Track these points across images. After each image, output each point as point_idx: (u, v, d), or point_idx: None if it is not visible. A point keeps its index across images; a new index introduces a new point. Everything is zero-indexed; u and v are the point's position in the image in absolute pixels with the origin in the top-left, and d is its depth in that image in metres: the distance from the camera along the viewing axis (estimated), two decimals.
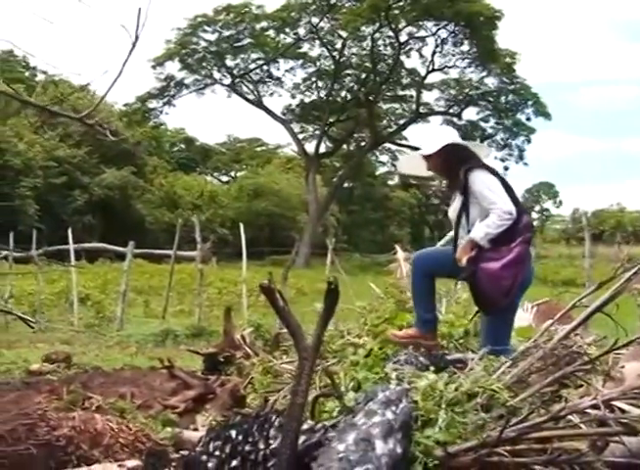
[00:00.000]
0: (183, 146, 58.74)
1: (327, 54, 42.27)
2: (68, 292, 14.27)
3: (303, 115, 45.41)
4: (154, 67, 40.61)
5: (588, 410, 2.97)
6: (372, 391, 3.00)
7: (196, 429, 4.41)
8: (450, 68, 41.14)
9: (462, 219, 4.44)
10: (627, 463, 2.93)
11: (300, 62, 42.99)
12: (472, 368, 3.56)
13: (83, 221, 34.48)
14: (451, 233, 4.88)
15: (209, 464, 2.88)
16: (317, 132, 45.09)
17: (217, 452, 2.89)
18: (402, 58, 41.17)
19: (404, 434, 2.72)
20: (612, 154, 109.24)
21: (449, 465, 2.85)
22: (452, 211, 4.56)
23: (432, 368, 3.56)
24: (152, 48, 39.63)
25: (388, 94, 44.30)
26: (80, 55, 61.68)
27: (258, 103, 43.33)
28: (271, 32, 41.28)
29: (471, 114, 43.80)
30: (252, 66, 42.56)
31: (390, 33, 39.50)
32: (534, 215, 64.14)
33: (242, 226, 14.15)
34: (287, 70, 43.31)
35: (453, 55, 40.46)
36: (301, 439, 2.76)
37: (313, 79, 44.04)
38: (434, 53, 40.26)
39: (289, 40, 41.69)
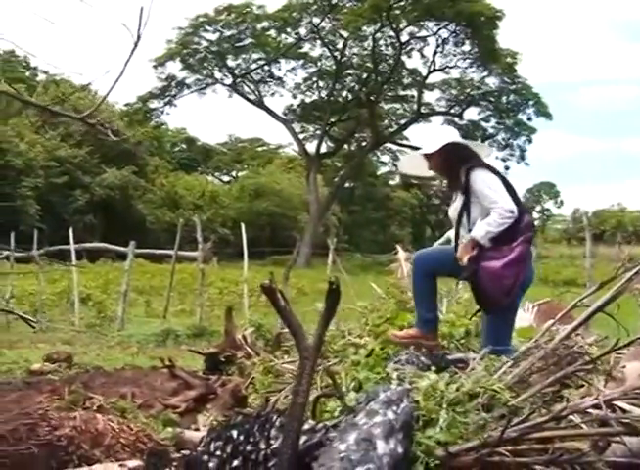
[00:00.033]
0: (184, 146, 58.78)
1: (328, 54, 42.27)
2: (69, 292, 14.27)
3: (304, 115, 45.39)
4: (155, 66, 40.62)
5: (590, 410, 2.97)
6: (373, 391, 3.00)
7: (197, 429, 4.41)
8: (451, 68, 41.16)
9: (463, 219, 4.44)
10: (628, 463, 2.93)
11: (302, 62, 42.97)
12: (473, 368, 3.56)
13: (84, 221, 34.49)
14: (449, 232, 4.88)
15: (211, 464, 2.88)
16: (318, 132, 45.06)
17: (218, 452, 2.89)
18: (403, 58, 41.17)
19: (405, 434, 2.72)
20: (612, 154, 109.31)
21: (450, 465, 2.85)
22: (453, 210, 4.55)
23: (433, 368, 3.57)
24: (153, 48, 39.68)
25: (390, 94, 44.27)
26: (81, 55, 61.81)
27: (260, 103, 43.33)
28: (272, 32, 41.26)
29: (472, 114, 43.85)
30: (254, 66, 42.55)
31: (392, 33, 39.49)
32: (535, 215, 64.07)
33: (243, 226, 14.16)
34: (288, 70, 43.34)
35: (454, 55, 40.47)
36: (303, 439, 2.76)
37: (314, 79, 44.03)
38: (435, 53, 40.29)
39: (290, 40, 41.67)
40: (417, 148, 5.04)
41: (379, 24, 38.40)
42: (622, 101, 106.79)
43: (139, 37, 3.28)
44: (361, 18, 37.25)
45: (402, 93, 44.27)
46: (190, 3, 69.79)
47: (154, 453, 3.55)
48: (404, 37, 39.77)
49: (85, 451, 3.52)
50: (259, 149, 60.65)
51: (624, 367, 3.64)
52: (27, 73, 43.42)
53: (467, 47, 39.85)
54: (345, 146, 48.33)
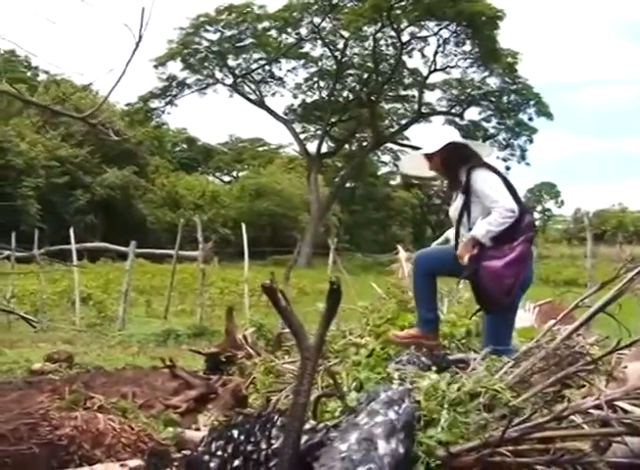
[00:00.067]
0: (185, 146, 58.82)
1: (329, 54, 42.28)
2: (69, 291, 14.27)
3: (305, 115, 45.39)
4: (156, 66, 40.64)
5: (591, 411, 2.97)
6: (374, 391, 3.00)
7: (198, 429, 4.41)
8: (452, 68, 41.17)
9: (463, 218, 4.44)
10: (630, 463, 2.93)
11: (302, 62, 42.98)
12: (474, 368, 3.56)
13: (85, 221, 34.51)
14: (448, 232, 4.89)
15: (212, 464, 2.88)
16: (319, 132, 45.06)
17: (219, 452, 2.89)
18: (404, 58, 41.19)
19: (407, 434, 2.72)
20: (613, 154, 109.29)
21: (451, 465, 2.85)
22: (453, 209, 4.55)
23: (434, 368, 3.56)
24: (154, 48, 39.65)
25: (391, 94, 44.26)
26: (82, 55, 61.79)
27: (260, 103, 43.33)
28: (273, 32, 41.28)
29: (473, 114, 43.85)
30: (254, 66, 42.56)
31: (392, 33, 39.50)
32: (536, 215, 64.06)
33: (244, 226, 14.16)
34: (289, 70, 43.35)
35: (455, 55, 40.47)
36: (304, 438, 2.76)
37: (315, 79, 44.03)
38: (435, 53, 40.32)
39: (291, 40, 41.69)
40: (418, 148, 5.05)
41: (379, 24, 38.41)
42: (623, 101, 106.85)
43: (140, 37, 3.28)
44: (362, 18, 37.25)
45: (403, 93, 44.29)
46: (191, 3, 69.86)
47: (155, 453, 3.55)
48: (405, 37, 39.84)
49: (86, 451, 3.52)
50: (260, 149, 60.67)
51: (626, 367, 3.63)
52: (28, 73, 43.53)
53: (468, 47, 39.90)
54: (346, 146, 48.31)
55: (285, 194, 47.24)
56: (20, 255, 15.43)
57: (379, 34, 39.46)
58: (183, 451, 3.72)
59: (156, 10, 3.44)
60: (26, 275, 15.19)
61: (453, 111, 43.24)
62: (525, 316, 6.76)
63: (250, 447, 2.85)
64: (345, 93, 44.63)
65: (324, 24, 40.58)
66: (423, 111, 43.11)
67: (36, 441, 3.44)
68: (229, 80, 42.54)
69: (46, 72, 41.41)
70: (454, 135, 4.68)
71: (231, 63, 41.99)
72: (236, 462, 2.83)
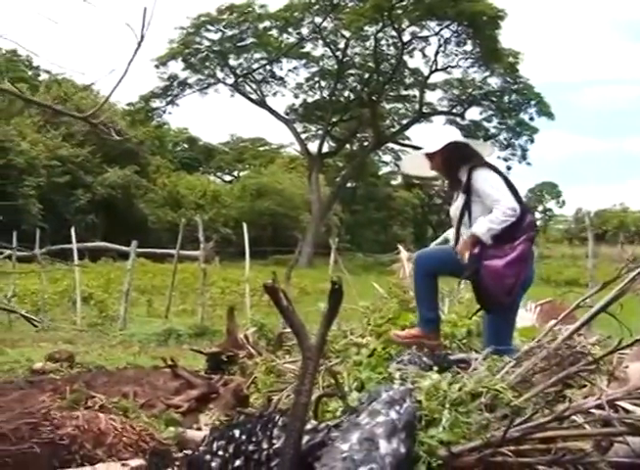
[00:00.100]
0: (186, 145, 58.86)
1: (330, 54, 42.31)
2: (71, 291, 14.28)
3: (306, 114, 45.41)
4: (157, 66, 40.69)
5: (592, 410, 2.97)
6: (375, 391, 3.00)
7: (199, 428, 4.41)
8: (453, 67, 41.19)
9: (464, 218, 4.44)
10: (631, 463, 2.93)
11: (303, 61, 43.01)
12: (475, 368, 3.55)
13: (86, 220, 34.52)
14: (447, 232, 4.89)
15: (213, 464, 2.87)
16: (320, 132, 45.10)
17: (221, 452, 2.89)
18: (405, 58, 41.21)
19: (408, 434, 2.72)
20: (614, 154, 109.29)
21: (453, 465, 2.85)
22: (454, 209, 4.55)
23: (435, 368, 3.56)
24: (155, 47, 39.69)
25: (392, 94, 44.27)
26: (84, 54, 61.80)
27: (261, 102, 43.35)
28: (274, 32, 41.30)
29: (474, 113, 43.89)
30: (256, 65, 42.60)
31: (394, 33, 39.50)
32: (537, 215, 64.04)
33: (245, 226, 14.14)
34: (290, 70, 43.40)
35: (456, 55, 40.48)
36: (305, 438, 2.76)
37: (316, 79, 44.05)
38: (437, 53, 40.34)
39: (292, 40, 41.70)
40: (419, 148, 5.05)
41: (381, 24, 38.42)
42: (624, 101, 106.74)
43: (142, 37, 3.28)
44: (363, 17, 37.26)
45: (404, 93, 44.30)
46: (192, 3, 69.84)
47: (156, 453, 3.55)
48: (406, 37, 39.85)
49: (88, 451, 3.52)
50: (261, 148, 60.71)
51: (627, 367, 3.63)
52: (30, 73, 43.54)
53: (469, 47, 39.92)
54: (347, 146, 48.33)
55: (286, 194, 47.26)
56: (21, 254, 15.45)
57: (380, 34, 39.48)
58: (184, 451, 3.72)
59: (157, 10, 3.43)
60: (28, 275, 15.20)
61: (454, 110, 43.26)
62: (526, 316, 6.76)
63: (251, 447, 2.85)
64: (347, 93, 44.67)
65: (325, 24, 40.65)
66: (424, 111, 43.12)
67: (38, 440, 3.44)
68: (230, 80, 42.61)
69: (47, 72, 41.51)
70: (455, 135, 4.68)
71: (232, 62, 42.06)
72: (237, 462, 2.83)
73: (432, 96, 44.84)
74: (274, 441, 2.83)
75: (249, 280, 13.10)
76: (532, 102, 41.06)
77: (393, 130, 45.81)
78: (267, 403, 4.47)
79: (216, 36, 40.77)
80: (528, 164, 43.33)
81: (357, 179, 50.63)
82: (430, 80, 42.16)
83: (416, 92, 43.29)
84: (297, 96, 44.73)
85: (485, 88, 41.89)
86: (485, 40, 37.89)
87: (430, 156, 4.61)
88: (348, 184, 48.56)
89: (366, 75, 42.65)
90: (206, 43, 40.93)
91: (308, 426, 2.84)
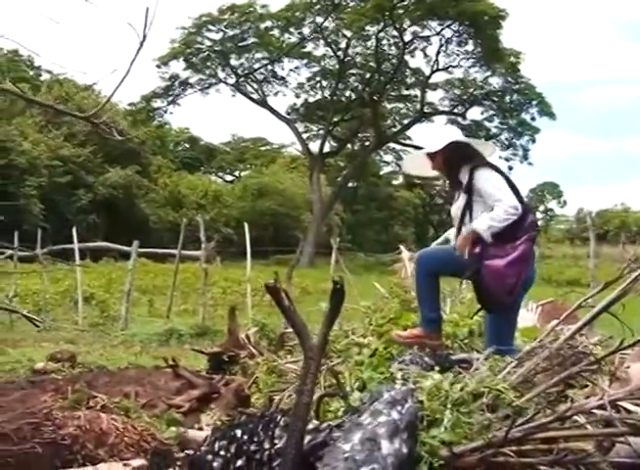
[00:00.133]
0: (187, 145, 58.84)
1: (331, 53, 42.27)
2: (72, 291, 14.30)
3: (308, 114, 45.39)
4: (158, 66, 40.66)
5: (594, 411, 2.97)
6: (377, 391, 3.00)
7: (200, 428, 4.41)
8: (454, 67, 41.13)
9: (466, 217, 4.43)
10: (633, 464, 2.92)
11: (305, 61, 42.97)
12: (477, 368, 3.55)
13: (88, 220, 34.54)
14: (448, 232, 4.88)
15: (215, 464, 2.88)
16: (321, 132, 45.09)
17: (222, 452, 2.89)
18: (407, 57, 41.17)
19: (410, 434, 2.72)
20: (616, 154, 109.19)
21: (455, 465, 2.85)
22: (456, 209, 4.55)
23: (437, 368, 3.56)
24: (156, 47, 39.69)
25: (393, 94, 44.27)
26: (85, 54, 61.78)
27: (263, 102, 43.34)
28: (276, 32, 41.28)
29: (475, 113, 43.85)
30: (257, 65, 42.58)
31: (395, 33, 39.49)
32: (539, 215, 64.03)
33: (246, 226, 14.15)
34: (291, 70, 43.38)
35: (457, 54, 40.43)
36: (307, 438, 2.76)
37: (317, 79, 44.03)
38: (438, 52, 40.29)
39: (293, 40, 41.67)
40: (420, 147, 5.05)
41: (382, 24, 38.40)
42: (626, 101, 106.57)
43: (145, 37, 3.28)
44: (364, 17, 37.23)
45: (405, 93, 44.28)
46: (193, 3, 69.81)
47: (157, 453, 3.55)
48: (407, 37, 39.81)
49: (89, 451, 3.52)
50: (262, 148, 60.70)
51: (629, 368, 3.63)
52: (31, 73, 43.56)
53: (470, 47, 39.87)
54: (349, 145, 48.33)
55: (287, 193, 47.24)
56: (22, 254, 15.45)
57: (381, 34, 39.46)
58: (186, 451, 3.72)
59: (158, 9, 3.44)
60: (29, 274, 15.20)
61: (455, 110, 43.23)
62: (527, 316, 6.75)
63: (253, 447, 2.85)
64: (348, 93, 44.64)
65: (326, 24, 40.62)
66: (425, 110, 43.11)
67: (39, 440, 3.44)
68: (232, 80, 42.59)
69: (49, 72, 41.51)
70: (457, 134, 4.68)
71: (234, 62, 42.04)
72: (239, 462, 2.84)
73: (433, 96, 44.87)
74: (276, 441, 2.84)
75: (250, 280, 13.10)
76: (534, 102, 41.02)
77: (395, 130, 45.79)
78: (269, 403, 4.47)
79: (218, 36, 40.80)
80: (530, 164, 43.31)
81: (358, 179, 50.60)
82: (431, 80, 42.18)
83: (417, 92, 43.29)
84: (298, 96, 44.77)
85: (487, 88, 41.86)
86: (487, 40, 37.86)
87: (431, 155, 4.62)
88: (350, 184, 48.52)
89: (367, 75, 42.60)
90: (208, 43, 40.94)
91: (310, 426, 2.84)
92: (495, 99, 42.16)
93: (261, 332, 7.44)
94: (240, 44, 40.93)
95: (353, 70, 43.28)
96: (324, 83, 44.17)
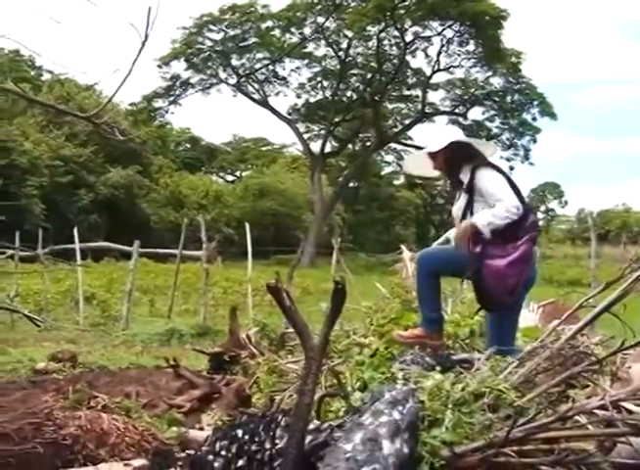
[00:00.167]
0: (188, 145, 58.83)
1: (332, 54, 42.25)
2: (73, 291, 14.31)
3: (309, 114, 45.38)
4: (159, 66, 40.64)
5: (595, 411, 2.97)
6: (378, 391, 3.00)
7: (201, 428, 4.41)
8: (456, 67, 41.09)
9: (467, 217, 4.43)
10: (634, 464, 2.92)
11: (306, 61, 42.94)
12: (478, 368, 3.55)
13: (89, 220, 34.56)
14: (449, 232, 4.88)
15: (216, 464, 2.88)
16: (322, 132, 45.08)
17: (223, 452, 2.89)
18: (408, 58, 41.12)
19: (411, 434, 2.72)
20: (617, 154, 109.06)
21: (456, 465, 2.84)
22: (457, 208, 4.55)
23: (438, 368, 3.56)
24: (157, 47, 39.69)
25: (394, 94, 44.24)
26: (86, 54, 61.77)
27: (264, 102, 43.33)
28: (277, 32, 41.24)
29: (476, 113, 43.78)
30: (258, 65, 42.56)
31: (396, 33, 39.46)
32: (540, 215, 63.94)
33: (247, 226, 14.15)
34: (292, 70, 43.33)
35: (459, 55, 40.39)
36: (308, 438, 2.76)
37: (319, 79, 44.01)
38: (439, 53, 40.24)
39: (294, 40, 41.63)
40: (421, 148, 5.05)
41: (383, 24, 38.38)
42: (627, 101, 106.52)
43: (146, 37, 3.28)
44: (365, 17, 37.22)
45: (407, 93, 44.25)
46: (194, 3, 69.81)
47: (159, 453, 3.55)
48: (408, 37, 39.77)
49: (90, 451, 3.52)
50: (264, 148, 60.67)
51: (630, 368, 3.63)
52: (32, 73, 43.57)
53: (471, 47, 39.83)
54: (350, 146, 48.31)
55: (288, 193, 47.23)
56: (23, 254, 15.45)
57: (382, 34, 39.44)
58: (187, 451, 3.72)
59: (159, 9, 3.44)
60: (30, 274, 15.21)
61: (457, 110, 43.21)
62: (528, 316, 6.75)
63: (254, 447, 2.85)
64: (349, 93, 44.63)
65: (328, 24, 40.58)
66: (426, 110, 43.07)
67: (40, 440, 3.44)
68: (233, 80, 42.56)
69: (50, 72, 41.53)
70: (458, 134, 4.69)
71: (235, 62, 42.03)
72: (240, 462, 2.84)
73: (434, 96, 44.82)
74: (277, 441, 2.84)
75: (251, 280, 13.12)
76: (535, 102, 40.99)
77: (396, 130, 45.76)
78: (270, 403, 4.47)
79: (219, 36, 40.79)
80: (531, 164, 43.26)
81: (360, 179, 50.58)
82: (432, 80, 42.13)
83: (418, 92, 43.26)
84: (299, 96, 44.75)
85: (488, 88, 41.83)
86: (488, 40, 37.84)
87: (432, 155, 4.62)
88: (351, 184, 48.51)
89: (368, 75, 42.61)
90: (209, 43, 40.93)
91: (311, 426, 2.84)
92: (496, 99, 42.14)
93: (262, 332, 7.44)
94: (241, 44, 40.92)
95: (354, 71, 43.27)
96: (325, 83, 44.18)
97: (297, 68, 43.22)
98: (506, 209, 4.18)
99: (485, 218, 4.20)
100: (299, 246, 14.33)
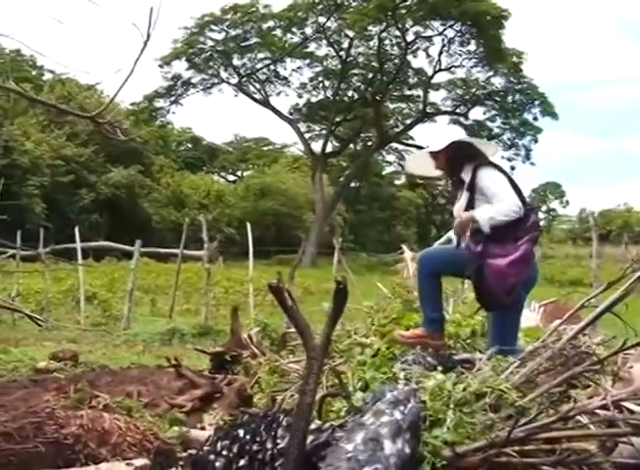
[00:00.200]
0: (190, 145, 58.86)
1: (334, 53, 42.27)
2: (74, 290, 14.31)
3: (310, 114, 45.40)
4: (161, 66, 40.68)
5: (597, 411, 2.97)
6: (380, 391, 2.99)
7: (203, 428, 4.41)
8: (457, 67, 41.12)
9: None
10: (636, 464, 2.92)
11: (307, 61, 42.97)
12: (480, 368, 3.55)
13: (90, 220, 34.57)
14: (451, 232, 4.88)
15: (217, 463, 2.88)
16: (324, 132, 45.09)
17: (225, 452, 2.89)
18: (409, 57, 41.18)
19: (412, 434, 2.72)
20: (618, 154, 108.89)
21: (457, 465, 2.84)
22: (458, 208, 4.55)
23: (439, 368, 3.56)
24: (159, 47, 39.70)
25: (395, 94, 44.27)
26: (87, 54, 61.78)
27: (265, 102, 43.35)
28: (278, 32, 41.26)
29: (477, 113, 43.77)
30: (259, 65, 42.58)
31: (397, 33, 39.48)
32: (541, 215, 63.90)
33: (248, 225, 14.15)
34: (294, 70, 43.37)
35: (460, 54, 40.42)
36: (309, 438, 2.76)
37: (320, 79, 44.03)
38: (440, 52, 40.25)
39: (296, 40, 41.65)
40: (422, 147, 5.06)
41: (384, 24, 38.38)
42: (628, 101, 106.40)
43: (149, 37, 3.28)
44: (367, 17, 37.22)
45: (408, 93, 44.29)
46: (196, 2, 69.85)
47: (160, 452, 3.55)
48: (410, 37, 39.81)
49: (92, 450, 3.52)
50: (265, 148, 60.69)
51: (632, 368, 3.63)
52: (34, 73, 43.56)
53: (472, 47, 39.85)
54: (351, 145, 48.35)
55: (289, 193, 47.25)
56: (25, 253, 15.46)
57: (384, 34, 39.45)
58: (189, 451, 3.72)
59: (161, 9, 3.44)
60: (31, 274, 15.23)
61: (458, 110, 43.21)
62: (530, 316, 6.75)
63: (255, 447, 2.85)
64: (350, 93, 44.66)
65: (329, 24, 40.60)
66: (427, 110, 43.07)
67: (42, 439, 3.44)
68: (234, 80, 42.58)
69: (51, 72, 41.50)
70: (459, 134, 4.71)
71: (236, 62, 42.05)
72: (241, 462, 2.83)
73: (435, 96, 44.82)
74: (278, 441, 2.83)
75: (252, 280, 13.12)
76: (536, 102, 40.97)
77: (397, 130, 45.80)
78: (271, 403, 4.47)
79: (220, 36, 40.81)
80: (532, 164, 43.28)
81: (361, 179, 50.61)
82: (433, 80, 42.16)
83: (420, 92, 43.29)
84: (300, 96, 44.79)
85: (489, 88, 41.84)
86: (489, 40, 37.85)
87: (434, 154, 4.62)
88: (352, 184, 48.54)
89: (370, 75, 42.63)
90: (210, 43, 40.95)
91: (313, 426, 2.84)
92: (498, 99, 42.14)
93: (264, 332, 7.45)
94: (242, 44, 40.93)
95: (356, 71, 43.29)
96: (326, 83, 44.19)
97: (299, 67, 43.32)
98: (508, 206, 4.19)
99: (487, 213, 4.22)
100: (301, 246, 14.31)
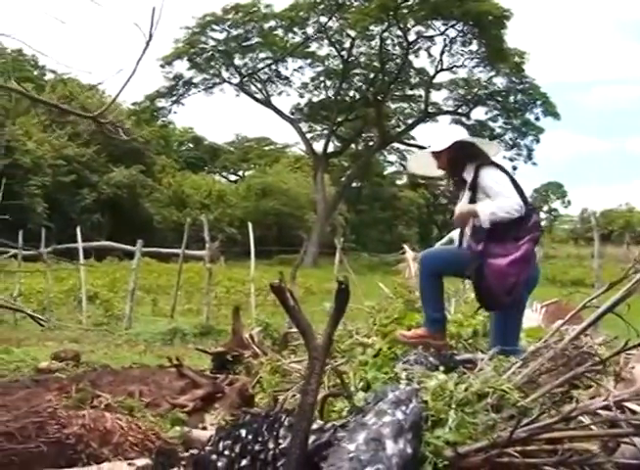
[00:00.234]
0: (191, 145, 58.89)
1: (335, 53, 42.27)
2: (76, 290, 14.31)
3: (312, 114, 45.40)
4: (162, 66, 40.71)
5: (599, 411, 2.96)
6: (382, 391, 2.99)
7: (205, 428, 4.41)
8: (459, 67, 41.09)
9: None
10: (638, 465, 2.92)
11: (309, 61, 42.98)
12: (481, 368, 3.55)
13: (92, 220, 34.58)
14: (452, 233, 4.88)
15: (219, 463, 2.88)
16: (325, 132, 45.10)
17: (227, 452, 2.89)
18: (411, 57, 41.17)
19: (414, 434, 2.72)
20: (620, 154, 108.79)
21: (459, 466, 2.84)
22: (459, 207, 4.55)
23: (441, 368, 3.56)
24: (160, 47, 39.72)
25: (397, 93, 44.26)
26: (89, 54, 61.82)
27: (267, 102, 43.36)
28: (279, 32, 41.26)
29: (479, 113, 43.77)
30: (261, 65, 42.58)
31: (399, 33, 39.48)
32: (543, 215, 63.89)
33: (250, 225, 14.15)
34: (295, 70, 43.37)
35: (462, 54, 40.40)
36: (311, 438, 2.76)
37: (321, 79, 44.03)
38: (442, 52, 40.24)
39: (297, 39, 41.64)
40: (424, 147, 5.06)
41: (386, 24, 38.38)
42: (629, 101, 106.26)
43: (151, 37, 3.28)
44: (368, 17, 37.22)
45: (409, 93, 44.28)
46: (197, 2, 69.86)
47: (162, 452, 3.55)
48: (412, 37, 39.81)
49: (94, 450, 3.53)
50: (266, 148, 60.69)
51: (634, 368, 3.62)
52: (36, 73, 43.59)
53: (474, 46, 39.82)
54: (353, 145, 48.34)
55: (291, 193, 47.25)
56: (26, 253, 15.46)
57: (385, 34, 39.45)
58: (190, 451, 3.72)
59: (163, 9, 3.44)
60: (33, 274, 15.23)
61: (460, 110, 43.20)
62: (532, 316, 6.76)
63: (257, 447, 2.85)
64: (352, 92, 44.67)
65: (330, 24, 40.60)
66: (429, 110, 43.07)
67: (44, 439, 3.45)
68: (235, 80, 42.60)
69: (53, 72, 41.54)
70: (462, 134, 4.70)
71: (237, 62, 42.07)
72: (243, 462, 2.83)
73: (437, 96, 44.95)
74: (280, 440, 2.83)
75: (254, 280, 13.13)
76: (538, 102, 40.96)
77: (399, 130, 45.80)
78: (273, 403, 4.47)
79: (222, 36, 40.82)
80: (534, 164, 43.26)
81: (362, 179, 50.63)
82: (435, 80, 42.16)
83: (421, 92, 43.30)
84: (302, 96, 44.80)
85: (491, 88, 41.82)
86: (491, 40, 37.83)
87: (436, 154, 4.62)
88: (354, 184, 48.57)
89: (371, 75, 42.63)
90: (212, 43, 40.97)
91: (314, 426, 2.84)
92: (499, 99, 42.10)
93: (265, 332, 7.44)
94: (244, 44, 40.94)
95: (357, 70, 43.29)
96: (328, 83, 44.20)
97: (300, 67, 43.32)
98: (510, 204, 4.20)
99: (489, 208, 4.22)
100: (302, 246, 14.32)
